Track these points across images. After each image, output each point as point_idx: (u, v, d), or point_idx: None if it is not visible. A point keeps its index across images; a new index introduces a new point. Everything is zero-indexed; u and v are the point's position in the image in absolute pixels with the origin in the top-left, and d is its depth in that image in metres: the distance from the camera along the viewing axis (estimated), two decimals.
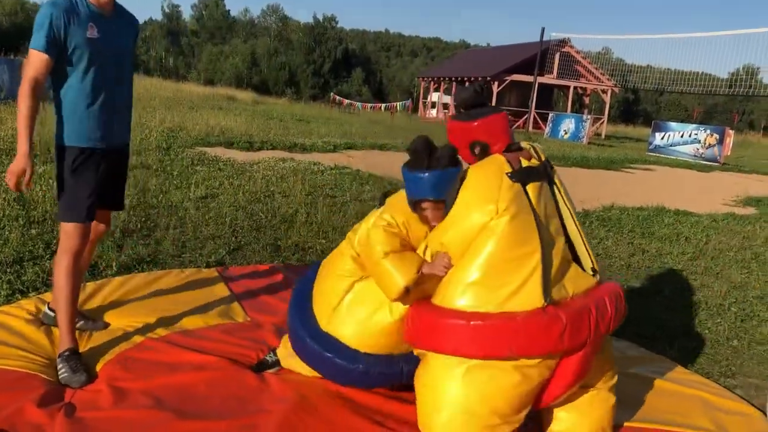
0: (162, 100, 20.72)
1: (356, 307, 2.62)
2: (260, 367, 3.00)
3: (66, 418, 2.43)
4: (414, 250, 2.51)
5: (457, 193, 2.42)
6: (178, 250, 4.80)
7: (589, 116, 28.28)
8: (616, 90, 36.33)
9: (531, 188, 2.41)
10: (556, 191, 2.56)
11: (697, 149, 21.81)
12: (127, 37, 3.04)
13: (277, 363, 2.98)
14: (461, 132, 2.56)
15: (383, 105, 27.19)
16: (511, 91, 35.18)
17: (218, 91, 34.05)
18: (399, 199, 2.58)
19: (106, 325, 3.33)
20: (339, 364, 2.60)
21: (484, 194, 2.34)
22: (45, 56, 2.73)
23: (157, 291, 3.86)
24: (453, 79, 38.80)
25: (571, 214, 2.56)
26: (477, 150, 2.52)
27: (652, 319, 4.30)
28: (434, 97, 42.34)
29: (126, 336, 3.19)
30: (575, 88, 35.23)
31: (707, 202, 10.44)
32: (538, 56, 28.89)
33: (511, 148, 2.52)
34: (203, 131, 12.86)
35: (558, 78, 34.21)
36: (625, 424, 2.77)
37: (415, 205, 2.47)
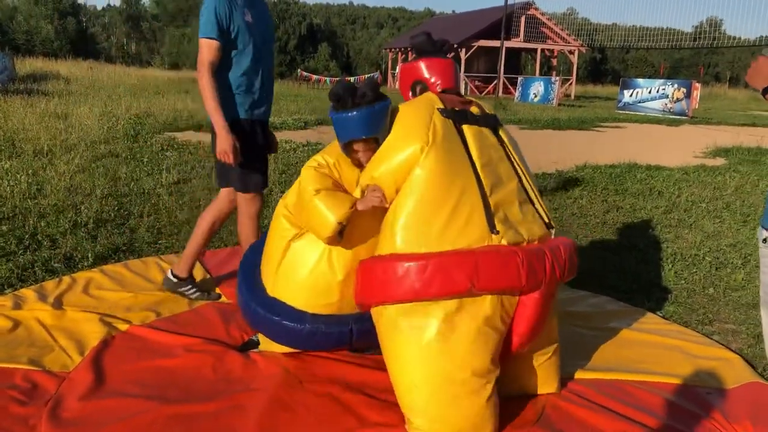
0: (127, 87, 20.32)
1: (295, 266, 2.58)
2: (245, 347, 3.00)
3: (53, 410, 2.41)
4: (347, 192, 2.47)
5: (389, 129, 2.39)
6: (154, 237, 4.75)
7: (557, 78, 28.33)
8: (583, 50, 36.39)
9: (468, 129, 2.41)
10: (505, 145, 2.56)
11: (666, 104, 22.01)
12: (270, 19, 3.41)
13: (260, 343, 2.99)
14: (406, 72, 2.62)
15: (352, 78, 26.84)
16: (479, 57, 35.08)
17: (184, 74, 33.49)
18: (333, 144, 2.55)
19: (218, 296, 3.63)
20: (286, 326, 2.58)
21: (414, 127, 2.32)
22: (215, 42, 3.09)
23: (137, 278, 3.84)
24: None
25: (522, 171, 2.55)
26: (418, 89, 2.55)
27: (629, 273, 4.36)
28: None
29: (109, 324, 3.16)
30: (542, 50, 35.23)
31: (678, 156, 10.56)
32: (503, 20, 28.75)
33: (451, 92, 2.54)
34: (171, 116, 12.66)
35: (525, 41, 34.15)
36: (607, 377, 2.82)
37: (346, 147, 2.44)
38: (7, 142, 8.24)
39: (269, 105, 3.46)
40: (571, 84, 33.42)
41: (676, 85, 22.17)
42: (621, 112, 22.76)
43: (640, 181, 7.81)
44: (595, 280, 4.17)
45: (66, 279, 3.76)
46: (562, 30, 34.88)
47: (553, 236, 2.52)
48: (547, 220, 2.51)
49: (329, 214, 2.33)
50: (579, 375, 2.83)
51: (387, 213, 2.33)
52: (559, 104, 25.71)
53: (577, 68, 36.72)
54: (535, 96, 27.57)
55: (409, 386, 2.23)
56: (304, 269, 2.56)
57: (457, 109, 2.44)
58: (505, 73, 31.39)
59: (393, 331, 2.25)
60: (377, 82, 2.40)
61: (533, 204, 2.51)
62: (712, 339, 3.36)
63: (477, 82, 34.23)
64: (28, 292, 3.52)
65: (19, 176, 6.26)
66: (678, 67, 61.19)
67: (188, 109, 13.84)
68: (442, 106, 2.39)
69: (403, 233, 2.24)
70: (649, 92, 22.87)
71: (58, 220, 4.92)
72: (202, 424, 2.36)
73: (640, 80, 24.70)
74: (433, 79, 2.55)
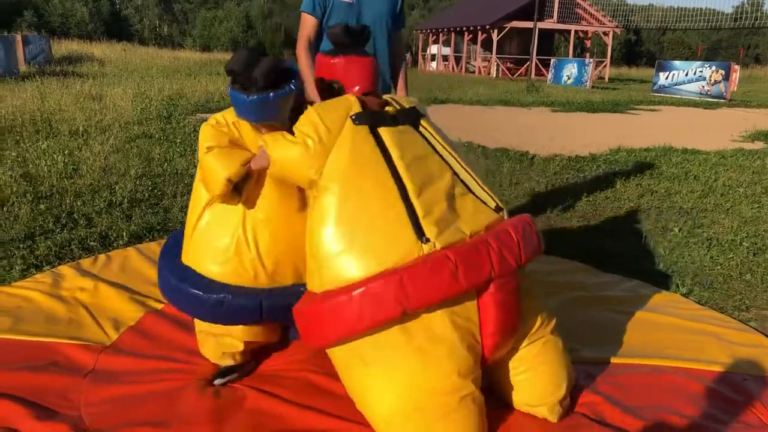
0: (159, 69, 20.54)
1: (207, 233, 2.47)
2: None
3: (92, 385, 2.47)
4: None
5: (294, 121, 2.25)
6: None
7: (591, 60, 27.86)
8: (618, 31, 35.71)
9: (385, 132, 2.23)
10: (428, 135, 2.38)
11: (703, 87, 21.50)
12: (385, 4, 3.36)
13: None
14: (324, 68, 2.49)
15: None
16: (512, 38, 34.63)
17: (215, 56, 33.68)
18: None
19: None
20: (192, 294, 2.43)
21: (317, 141, 2.15)
22: (312, 18, 3.22)
23: None
24: (452, 29, 38.21)
25: (457, 160, 2.36)
26: (335, 88, 2.43)
27: (664, 258, 4.30)
28: (434, 49, 41.76)
29: (143, 302, 3.22)
30: (576, 32, 34.63)
31: (715, 140, 10.33)
32: (536, 1, 28.36)
33: (369, 95, 2.39)
34: (203, 98, 12.77)
35: (558, 22, 33.61)
36: (641, 362, 2.78)
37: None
38: (44, 122, 8.38)
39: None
40: (605, 66, 32.84)
41: (714, 68, 21.64)
42: (656, 95, 22.31)
43: (675, 164, 7.66)
44: (628, 265, 4.12)
45: (102, 257, 3.84)
46: (597, 11, 34.23)
47: (506, 217, 2.32)
48: (494, 205, 2.32)
49: (220, 170, 2.27)
50: (613, 360, 2.80)
51: (306, 244, 2.20)
52: (593, 87, 25.28)
53: (612, 50, 36.06)
54: (568, 78, 27.16)
55: (378, 421, 2.08)
56: (215, 237, 2.44)
57: (373, 111, 2.29)
58: (537, 55, 31.00)
59: (346, 369, 2.14)
60: (275, 66, 2.20)
61: (474, 192, 2.31)
62: (748, 325, 3.30)
63: (509, 64, 33.83)
64: (66, 270, 3.60)
65: (56, 156, 6.37)
66: (716, 49, 59.72)
67: (220, 91, 13.93)
68: (358, 111, 2.24)
69: (324, 267, 2.09)
70: (686, 75, 22.35)
71: (93, 200, 5.01)
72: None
73: (677, 62, 24.16)
74: (351, 81, 2.40)
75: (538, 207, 5.50)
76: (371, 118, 2.24)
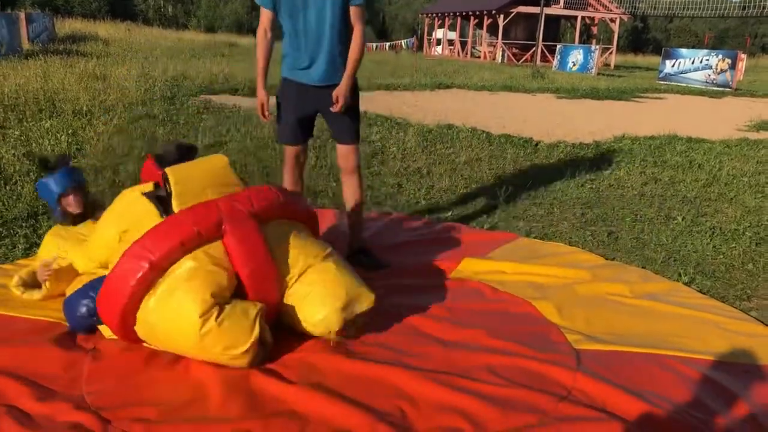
0: (163, 49, 20.47)
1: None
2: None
3: (94, 364, 2.49)
4: None
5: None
6: None
7: (597, 47, 27.69)
8: (625, 18, 35.46)
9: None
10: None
11: (709, 75, 21.37)
12: None
13: None
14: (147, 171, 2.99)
15: (387, 44, 26.51)
16: (518, 23, 34.43)
17: (219, 37, 33.55)
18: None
19: (389, 264, 3.72)
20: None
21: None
22: (267, 11, 3.42)
23: None
24: (458, 14, 37.96)
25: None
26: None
27: (666, 246, 4.29)
28: (439, 33, 41.55)
29: None
30: (583, 18, 34.41)
31: (720, 129, 10.28)
32: None
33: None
34: (207, 79, 12.73)
35: (565, 8, 33.39)
36: (642, 351, 2.79)
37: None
38: (47, 101, 8.37)
39: (322, 71, 3.49)
40: (611, 53, 32.67)
41: (720, 56, 21.49)
42: (662, 82, 22.20)
43: (680, 153, 7.64)
44: (631, 253, 4.12)
45: None
46: None
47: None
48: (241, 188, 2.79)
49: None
50: (614, 348, 2.80)
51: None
52: (599, 74, 25.16)
53: (618, 37, 35.83)
54: (574, 65, 27.02)
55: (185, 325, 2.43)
56: None
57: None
58: (543, 41, 30.80)
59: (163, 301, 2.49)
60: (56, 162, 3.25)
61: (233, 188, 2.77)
62: (750, 315, 3.30)
63: (514, 50, 33.65)
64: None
65: (59, 135, 6.37)
66: (723, 38, 59.32)
67: (224, 73, 13.89)
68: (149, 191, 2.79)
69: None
70: (692, 63, 22.21)
71: (97, 180, 5.00)
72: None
73: (683, 50, 23.99)
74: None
75: (541, 193, 5.49)
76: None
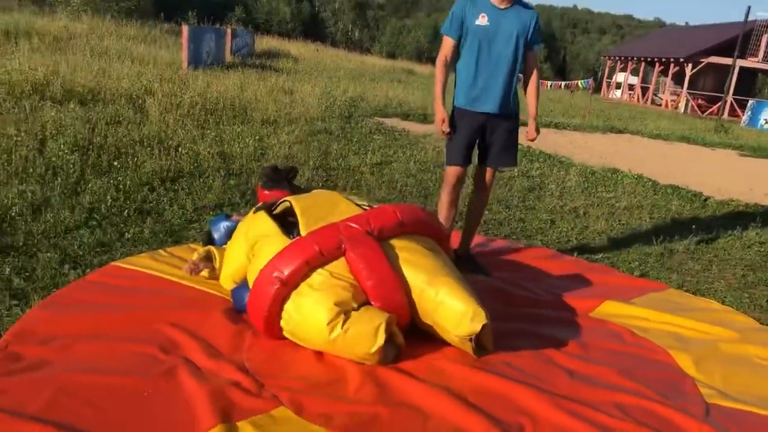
0: (346, 71, 21.73)
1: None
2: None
3: (254, 336, 2.87)
4: None
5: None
6: None
7: None
8: None
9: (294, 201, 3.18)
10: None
11: None
12: (517, 26, 3.78)
13: None
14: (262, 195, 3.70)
15: (563, 83, 26.16)
16: (707, 74, 32.59)
17: (399, 64, 34.88)
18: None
19: (489, 274, 4.01)
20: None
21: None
22: (450, 39, 3.81)
23: None
24: (642, 59, 36.66)
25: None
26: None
27: None
28: (620, 77, 40.30)
29: None
30: None
31: None
32: (740, 38, 26.47)
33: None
34: (382, 102, 13.40)
35: (763, 62, 31.10)
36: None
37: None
38: (241, 109, 9.31)
39: (492, 97, 3.85)
40: None
41: None
42: None
43: None
44: None
45: None
46: None
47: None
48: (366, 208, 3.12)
49: None
50: (746, 408, 2.71)
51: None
52: None
53: None
54: (766, 122, 25.09)
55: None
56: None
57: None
58: (734, 95, 28.92)
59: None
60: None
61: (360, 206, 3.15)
62: None
63: (700, 101, 31.86)
64: None
65: (248, 140, 7.11)
66: None
67: (398, 98, 14.54)
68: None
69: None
70: None
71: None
72: None
73: None
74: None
75: (701, 249, 5.31)
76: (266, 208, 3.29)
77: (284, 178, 3.75)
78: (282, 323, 2.83)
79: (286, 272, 2.76)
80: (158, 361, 2.58)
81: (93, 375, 2.43)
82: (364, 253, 2.82)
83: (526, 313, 3.54)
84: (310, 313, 2.72)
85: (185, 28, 14.58)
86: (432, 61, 50.09)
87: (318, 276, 2.79)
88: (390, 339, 2.73)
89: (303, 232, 2.92)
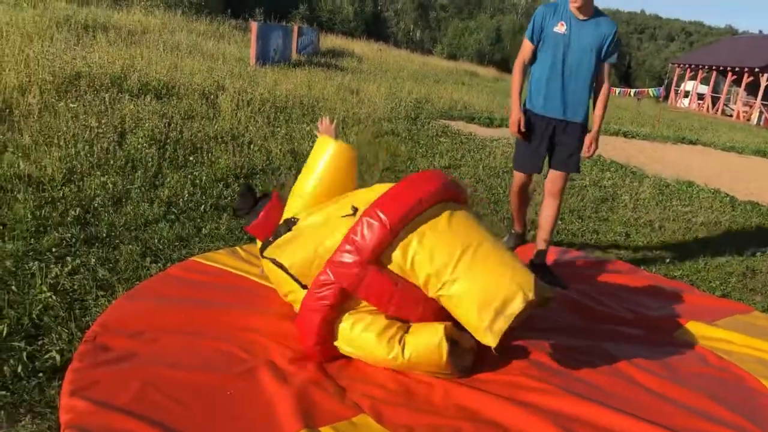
0: (410, 72, 21.68)
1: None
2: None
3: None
4: None
5: None
6: None
7: None
8: None
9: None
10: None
11: None
12: (594, 37, 3.79)
13: None
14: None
15: (632, 90, 25.41)
16: None
17: (461, 65, 34.68)
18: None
19: (566, 286, 3.91)
20: None
21: None
22: (530, 43, 3.88)
23: None
24: (713, 67, 35.49)
25: None
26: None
27: None
28: (689, 85, 39.12)
29: None
30: None
31: None
32: None
33: None
34: (447, 104, 13.31)
35: None
36: None
37: None
38: (310, 107, 9.37)
39: (564, 102, 3.90)
40: None
41: None
42: None
43: None
44: None
45: None
46: None
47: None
48: None
49: None
50: None
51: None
52: None
53: None
54: None
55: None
56: None
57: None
58: None
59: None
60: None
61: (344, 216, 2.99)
62: None
63: None
64: None
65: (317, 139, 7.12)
66: None
67: (463, 101, 14.42)
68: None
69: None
70: None
71: None
72: None
73: None
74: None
75: None
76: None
77: (255, 203, 3.33)
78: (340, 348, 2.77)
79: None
80: (240, 360, 2.60)
81: (178, 370, 2.45)
82: (367, 288, 2.65)
83: (605, 330, 3.44)
84: (367, 347, 2.68)
85: (254, 25, 14.77)
86: (494, 63, 49.81)
87: (349, 317, 2.71)
88: (457, 345, 2.67)
89: (307, 284, 2.79)
